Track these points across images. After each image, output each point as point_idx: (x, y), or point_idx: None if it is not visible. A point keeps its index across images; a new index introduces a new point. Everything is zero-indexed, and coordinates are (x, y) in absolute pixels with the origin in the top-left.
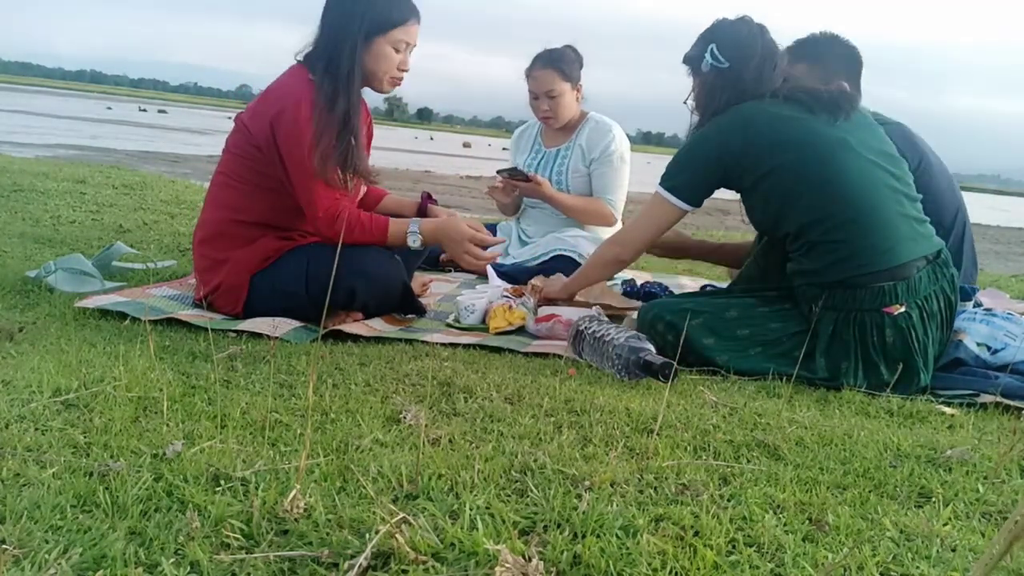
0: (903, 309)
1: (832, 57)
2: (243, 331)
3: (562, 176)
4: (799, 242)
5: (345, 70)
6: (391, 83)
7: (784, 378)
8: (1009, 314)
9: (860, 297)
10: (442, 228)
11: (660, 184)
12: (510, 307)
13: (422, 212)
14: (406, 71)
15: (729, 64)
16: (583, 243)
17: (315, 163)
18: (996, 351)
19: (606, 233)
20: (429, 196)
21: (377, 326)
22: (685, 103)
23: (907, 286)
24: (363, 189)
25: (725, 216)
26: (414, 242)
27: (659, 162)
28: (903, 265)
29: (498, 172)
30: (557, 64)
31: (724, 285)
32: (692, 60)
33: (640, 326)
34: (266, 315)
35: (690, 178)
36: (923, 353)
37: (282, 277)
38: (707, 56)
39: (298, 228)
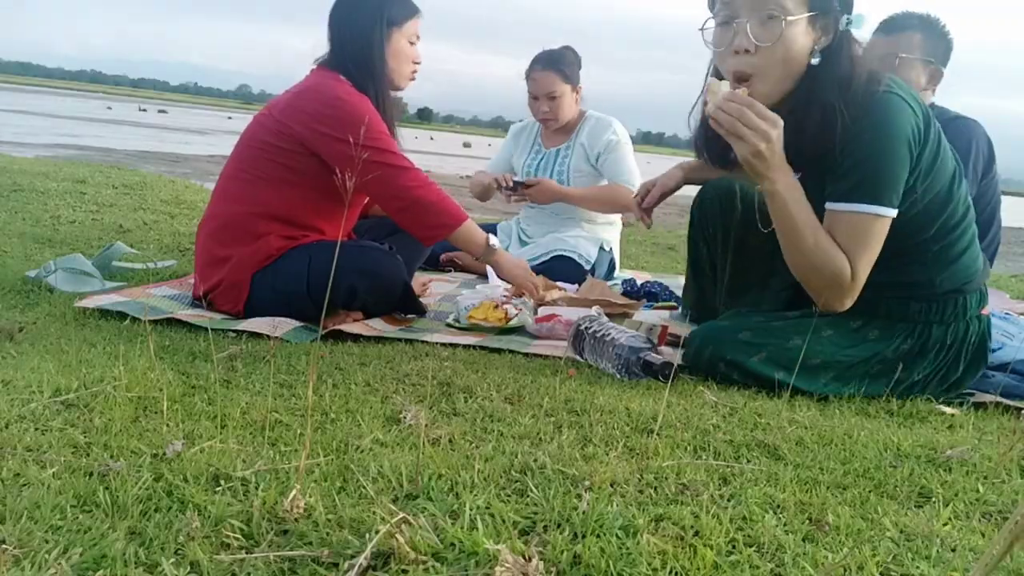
0: (988, 309)
1: (938, 40)
2: (243, 331)
3: (563, 175)
4: (917, 250)
5: (379, 70)
6: (409, 78)
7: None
8: (1006, 314)
9: (970, 303)
10: (520, 262)
11: (880, 205)
12: (497, 306)
13: None
14: (419, 63)
15: (857, 31)
16: (583, 243)
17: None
18: (993, 350)
19: (607, 232)
20: None
21: (377, 326)
22: (772, 16)
23: (986, 286)
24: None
25: None
26: (495, 243)
27: (659, 162)
28: (985, 266)
29: (501, 190)
30: (558, 66)
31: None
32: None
33: (695, 359)
34: (266, 315)
35: (899, 178)
36: (985, 356)
37: (283, 276)
38: (853, 15)
39: (308, 224)
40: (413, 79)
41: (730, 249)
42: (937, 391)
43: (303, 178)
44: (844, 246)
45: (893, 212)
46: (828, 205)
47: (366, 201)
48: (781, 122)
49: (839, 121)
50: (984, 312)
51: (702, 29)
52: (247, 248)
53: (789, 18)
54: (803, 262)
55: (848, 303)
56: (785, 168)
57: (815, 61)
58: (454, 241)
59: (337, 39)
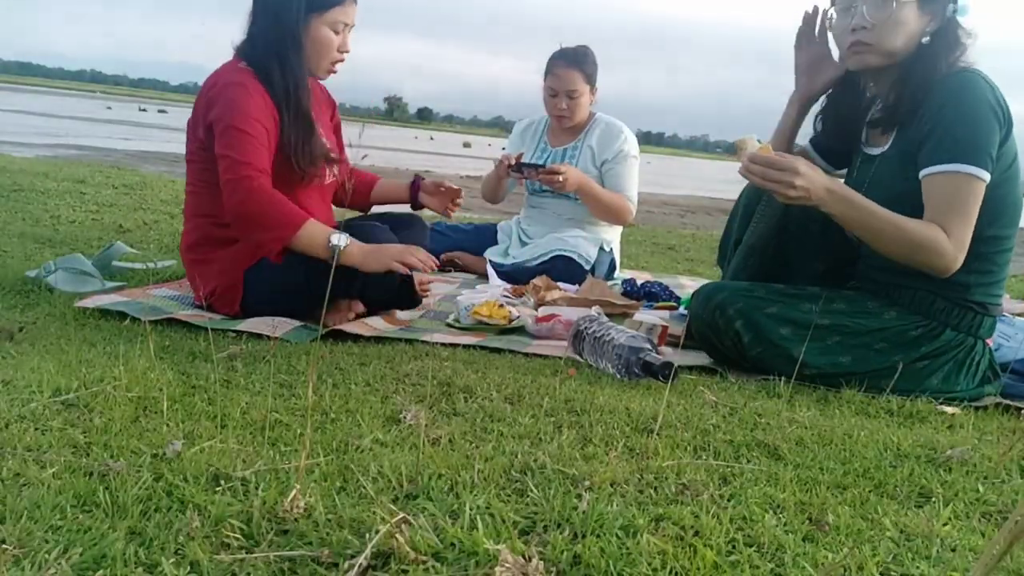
0: (992, 342)
1: None
2: (243, 331)
3: None
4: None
5: (293, 60)
6: (329, 69)
7: (783, 377)
8: (1003, 316)
9: (984, 324)
10: (376, 247)
11: (970, 164)
12: (500, 305)
13: (414, 194)
14: (347, 52)
15: (963, 18)
16: (583, 243)
17: (296, 159)
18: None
19: (607, 233)
20: (420, 178)
21: (377, 325)
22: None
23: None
24: (349, 179)
25: (726, 216)
26: (333, 249)
27: (659, 162)
28: (1001, 304)
29: (522, 166)
30: (581, 65)
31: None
32: None
33: (701, 309)
34: (265, 311)
35: (990, 143)
36: (999, 378)
37: (279, 268)
38: (956, 3)
39: None
40: (334, 71)
41: (772, 233)
42: (936, 390)
43: None
44: (936, 209)
45: (984, 173)
46: (922, 175)
47: (345, 186)
48: (801, 164)
49: (929, 97)
50: (988, 342)
51: (828, 18)
52: (229, 250)
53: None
54: (896, 251)
55: (955, 266)
56: (832, 189)
57: (925, 40)
58: (296, 247)
59: (254, 23)
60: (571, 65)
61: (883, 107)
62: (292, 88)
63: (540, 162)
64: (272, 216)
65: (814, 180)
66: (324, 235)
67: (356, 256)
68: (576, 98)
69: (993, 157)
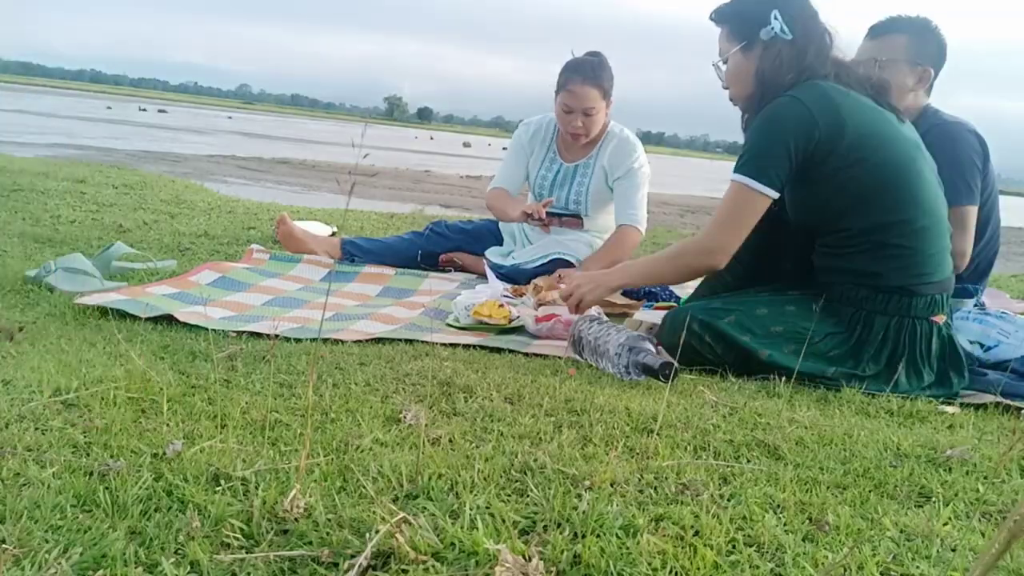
0: (944, 319)
1: (928, 41)
2: (243, 331)
3: (581, 196)
4: (859, 240)
5: None
6: None
7: (783, 378)
8: (1003, 313)
9: (916, 304)
10: None
11: (741, 173)
12: (501, 305)
13: None
14: None
15: (793, 37)
16: (582, 247)
17: None
18: (989, 348)
19: (609, 237)
20: None
21: (375, 329)
22: (716, 65)
23: (946, 298)
24: None
25: None
26: None
27: (658, 162)
28: (948, 278)
29: (530, 220)
30: (598, 80)
31: None
32: (747, 22)
33: (672, 328)
34: None
35: (775, 161)
36: (961, 361)
37: None
38: (773, 23)
39: None
40: None
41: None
42: (917, 389)
43: None
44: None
45: (754, 183)
46: None
47: None
48: (572, 281)
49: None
50: (935, 320)
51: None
52: None
53: (726, 56)
54: (677, 276)
55: (712, 259)
56: (610, 273)
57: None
58: None
59: None
60: (587, 81)
61: None
62: None
63: (551, 179)
64: None
65: (597, 281)
66: None
67: None
68: (592, 115)
69: (773, 171)
